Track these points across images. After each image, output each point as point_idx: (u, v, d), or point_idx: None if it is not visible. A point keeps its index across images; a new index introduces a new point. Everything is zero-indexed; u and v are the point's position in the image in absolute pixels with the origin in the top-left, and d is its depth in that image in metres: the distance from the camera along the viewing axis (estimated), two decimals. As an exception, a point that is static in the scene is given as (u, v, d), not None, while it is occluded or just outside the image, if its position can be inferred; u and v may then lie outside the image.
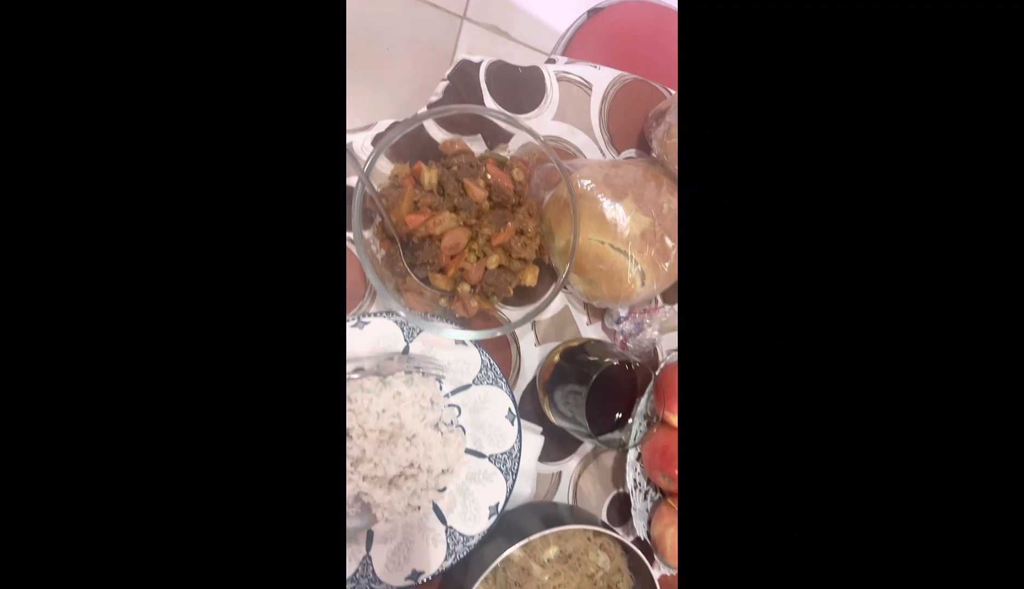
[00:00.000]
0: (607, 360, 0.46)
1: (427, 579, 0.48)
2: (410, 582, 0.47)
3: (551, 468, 0.57)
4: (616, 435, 0.51)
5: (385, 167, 0.47)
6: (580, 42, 0.75)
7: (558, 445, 0.56)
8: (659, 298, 0.59)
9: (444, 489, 0.50)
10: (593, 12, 0.77)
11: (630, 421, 0.50)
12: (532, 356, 0.56)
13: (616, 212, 0.48)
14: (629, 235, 0.49)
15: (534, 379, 0.56)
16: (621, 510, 0.59)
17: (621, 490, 0.59)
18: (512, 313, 0.53)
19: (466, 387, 0.51)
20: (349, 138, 0.51)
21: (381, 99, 0.46)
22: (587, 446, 0.58)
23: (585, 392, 0.45)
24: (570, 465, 0.57)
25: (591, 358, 0.48)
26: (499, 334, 0.47)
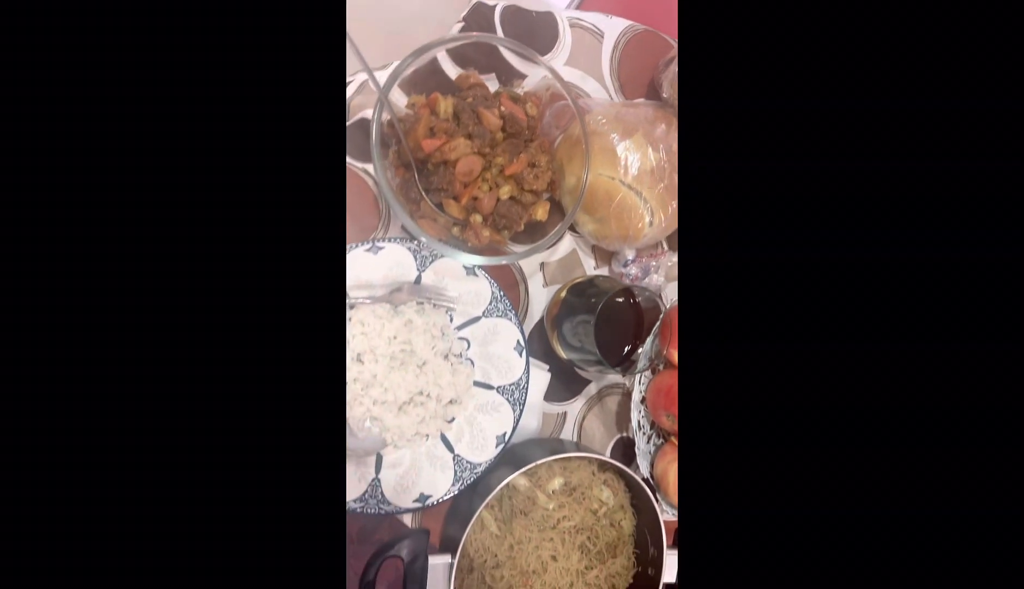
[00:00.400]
0: (615, 288, 0.47)
1: (434, 503, 0.48)
2: (417, 505, 0.48)
3: (556, 408, 0.58)
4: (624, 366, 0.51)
5: (401, 100, 0.48)
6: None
7: (564, 385, 0.57)
8: (664, 244, 0.59)
9: (452, 420, 0.51)
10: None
11: (638, 352, 0.51)
12: (539, 297, 0.57)
13: (626, 148, 0.49)
14: (639, 171, 0.50)
15: (541, 319, 0.56)
16: (625, 453, 0.60)
17: (625, 434, 0.60)
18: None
19: (476, 319, 0.51)
20: (360, 74, 0.52)
21: (397, 40, 0.47)
22: (592, 388, 0.59)
23: (594, 319, 0.46)
24: (575, 406, 0.58)
25: (599, 289, 0.49)
26: (512, 261, 0.48)
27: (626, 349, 0.50)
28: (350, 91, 0.52)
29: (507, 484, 0.51)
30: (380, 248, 0.48)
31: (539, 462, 0.48)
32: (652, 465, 0.57)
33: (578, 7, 0.73)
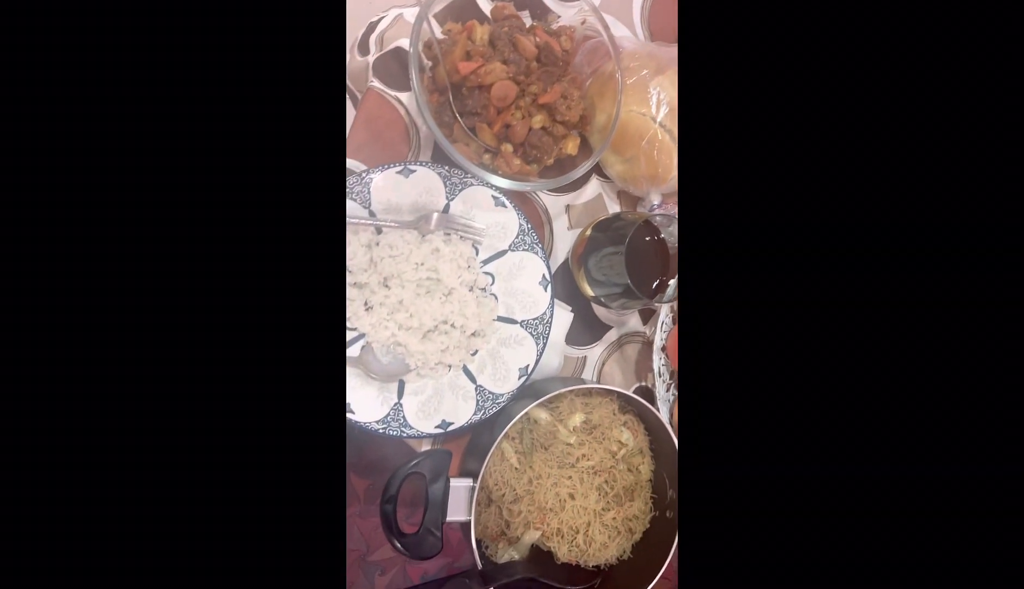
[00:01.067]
0: (643, 220, 0.47)
1: (456, 429, 0.48)
2: (439, 430, 0.48)
3: (577, 352, 0.57)
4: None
5: (436, 30, 0.49)
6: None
7: (585, 329, 0.57)
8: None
9: (475, 352, 0.51)
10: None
11: (669, 283, 0.50)
12: (564, 239, 0.57)
13: (658, 85, 0.50)
14: (670, 109, 0.50)
15: (565, 260, 0.56)
16: (643, 402, 0.59)
17: (643, 383, 0.60)
18: (546, 192, 0.55)
19: (502, 253, 0.51)
20: (398, 9, 0.53)
21: None
22: (612, 335, 0.59)
23: (624, 247, 0.46)
24: (595, 351, 0.58)
25: (625, 222, 0.49)
26: (542, 188, 0.48)
27: (656, 282, 0.50)
28: (384, 24, 0.53)
29: (528, 417, 0.51)
30: (412, 171, 0.48)
31: (562, 390, 0.48)
32: (671, 412, 0.57)
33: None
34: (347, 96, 0.52)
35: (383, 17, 0.53)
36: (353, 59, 0.53)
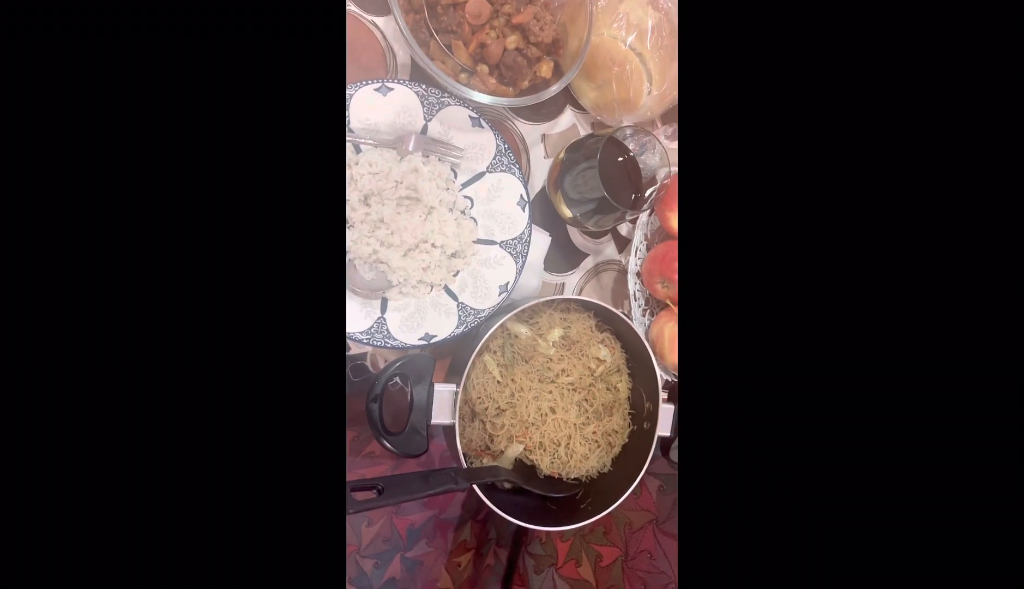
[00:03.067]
0: (614, 136, 0.49)
1: (439, 342, 0.49)
2: (423, 342, 0.49)
3: (555, 278, 0.59)
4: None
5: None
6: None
7: (563, 257, 0.59)
8: (659, 122, 0.62)
9: (457, 273, 0.52)
10: None
11: (645, 196, 0.52)
12: (541, 167, 0.58)
13: (628, 4, 0.51)
14: (640, 30, 0.52)
15: (543, 188, 0.58)
16: (620, 327, 0.61)
17: (620, 310, 0.62)
18: (523, 121, 0.56)
19: (480, 175, 0.53)
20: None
21: None
22: (589, 262, 0.61)
23: (594, 162, 0.48)
24: (573, 278, 0.60)
25: (597, 138, 0.50)
26: (519, 104, 0.49)
27: (632, 196, 0.52)
28: (358, -47, 0.53)
29: (509, 332, 0.52)
30: (390, 89, 0.49)
31: (539, 300, 0.50)
32: (647, 332, 0.59)
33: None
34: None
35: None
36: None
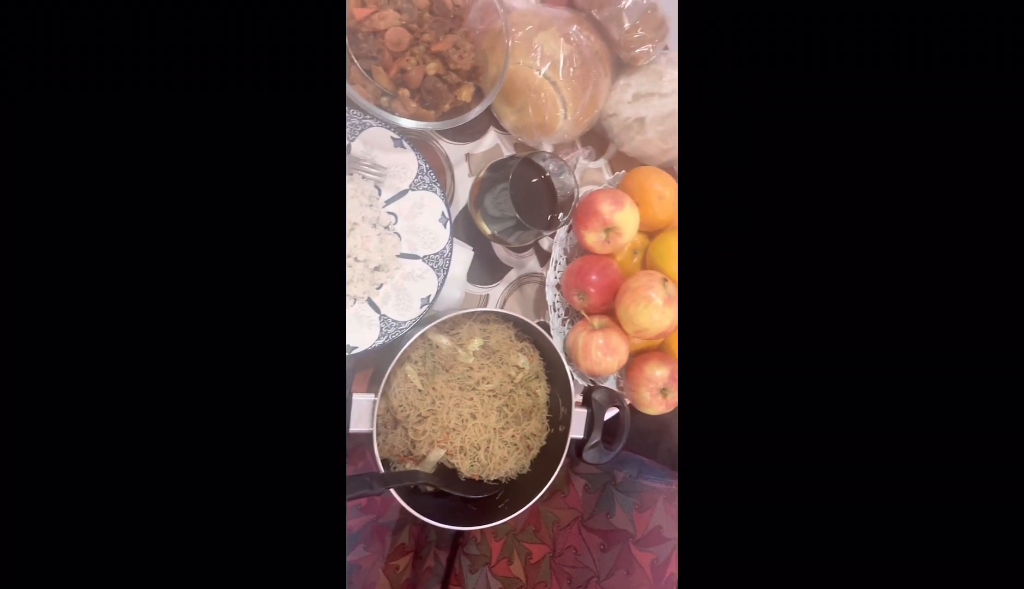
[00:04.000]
0: (528, 157, 0.52)
1: (360, 353, 0.51)
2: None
3: (479, 290, 0.62)
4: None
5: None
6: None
7: (487, 270, 0.62)
8: (578, 143, 0.66)
9: (380, 286, 0.55)
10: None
11: (560, 217, 0.56)
12: (464, 185, 0.61)
13: (541, 40, 0.55)
14: (553, 61, 0.56)
15: (466, 205, 0.61)
16: (542, 336, 0.65)
17: (541, 320, 0.65)
18: (447, 141, 0.59)
19: (403, 193, 0.55)
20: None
21: None
22: (512, 275, 0.64)
23: (508, 184, 0.51)
24: (496, 290, 0.63)
25: (515, 158, 0.54)
26: (441, 127, 0.52)
27: (548, 216, 0.56)
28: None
29: (431, 342, 0.55)
30: (311, 110, 0.50)
31: (459, 313, 0.52)
32: (564, 342, 0.63)
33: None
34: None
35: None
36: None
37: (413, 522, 0.76)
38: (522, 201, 0.52)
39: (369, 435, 0.49)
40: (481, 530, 0.64)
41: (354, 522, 0.77)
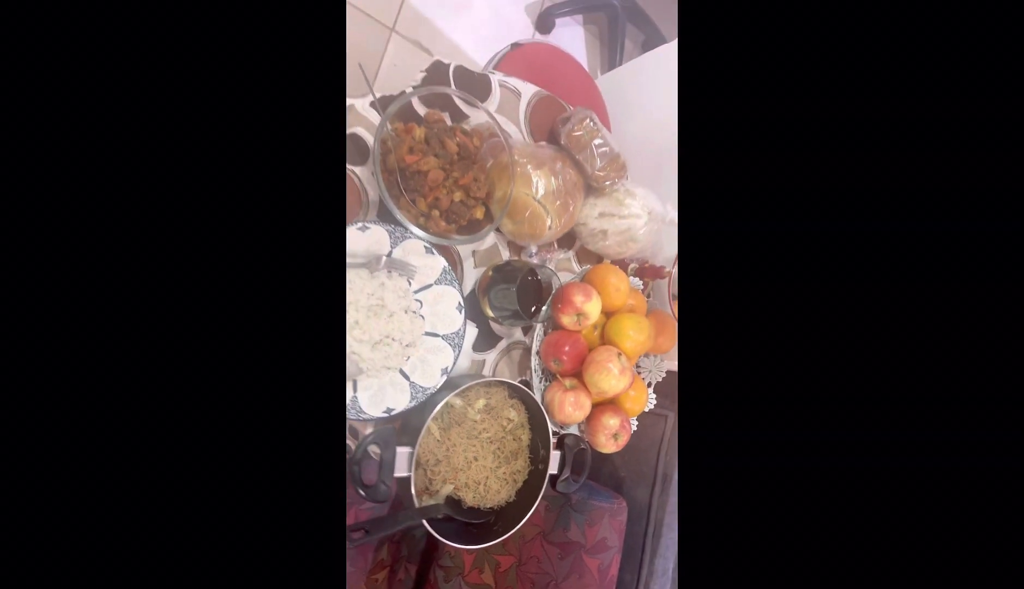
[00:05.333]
0: (528, 267, 0.71)
1: (397, 414, 0.67)
2: (385, 414, 0.66)
3: (479, 356, 0.79)
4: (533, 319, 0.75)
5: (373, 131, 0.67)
6: (505, 66, 1.01)
7: (484, 340, 0.79)
8: (555, 244, 0.85)
9: (408, 359, 0.70)
10: (515, 45, 1.03)
11: (542, 310, 0.74)
12: (471, 274, 0.78)
13: (538, 176, 0.74)
14: (545, 192, 0.74)
15: (473, 290, 0.78)
16: (523, 392, 0.83)
17: (523, 378, 0.83)
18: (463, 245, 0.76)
19: (429, 286, 0.71)
20: (351, 100, 0.70)
21: (380, 82, 0.64)
22: (503, 343, 0.82)
23: (516, 285, 0.69)
24: (491, 355, 0.80)
25: (515, 266, 0.72)
26: (459, 244, 0.69)
27: (534, 307, 0.74)
28: (338, 110, 0.70)
29: (447, 404, 0.71)
30: (367, 228, 0.66)
31: (470, 384, 0.69)
32: (543, 397, 0.81)
33: (495, 67, 0.97)
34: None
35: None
36: (312, 133, 0.69)
37: (391, 540, 0.91)
38: (522, 298, 0.70)
39: (406, 479, 0.64)
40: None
41: (342, 543, 0.91)
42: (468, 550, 0.79)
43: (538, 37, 1.75)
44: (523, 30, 1.74)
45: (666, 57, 1.16)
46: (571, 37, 1.84)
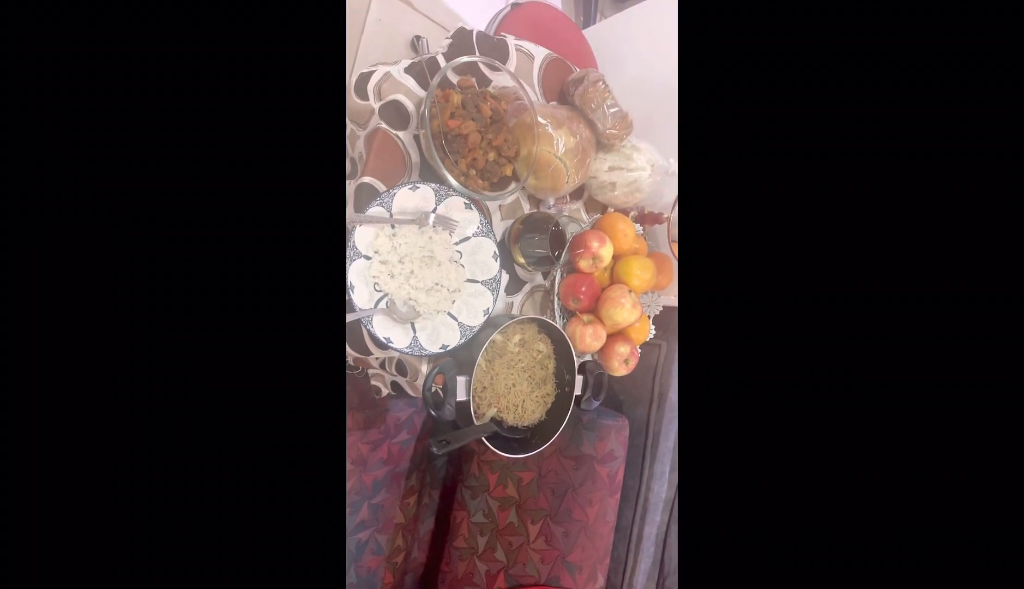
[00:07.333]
0: (552, 218, 0.81)
1: (451, 349, 0.77)
2: (442, 349, 0.76)
3: (509, 298, 0.90)
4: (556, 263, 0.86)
5: (411, 97, 0.74)
6: (508, 27, 1.06)
7: (513, 284, 0.90)
8: (568, 196, 0.95)
9: (454, 302, 0.80)
10: (515, 5, 1.09)
11: (564, 253, 0.85)
12: (499, 226, 0.87)
13: (558, 134, 0.83)
14: (565, 149, 0.83)
15: (502, 238, 0.87)
16: (546, 328, 0.94)
17: (545, 316, 0.95)
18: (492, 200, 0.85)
19: (467, 238, 0.80)
20: (386, 68, 0.76)
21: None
22: (527, 287, 0.92)
23: (546, 237, 0.79)
24: (518, 298, 0.91)
25: (540, 218, 0.82)
26: (492, 200, 0.78)
27: (557, 253, 0.85)
28: (377, 78, 0.75)
29: (492, 340, 0.82)
30: (417, 187, 0.73)
31: (508, 322, 0.80)
32: (564, 330, 0.93)
33: (494, 33, 1.03)
34: (356, 130, 0.74)
35: (373, 71, 0.76)
36: (353, 101, 0.75)
37: (418, 468, 1.04)
38: (551, 245, 0.81)
39: (465, 402, 0.75)
40: (479, 465, 0.93)
41: (379, 473, 1.05)
42: (513, 459, 0.92)
43: (517, -12, 1.77)
44: (503, -19, 1.75)
45: (643, 14, 1.24)
46: (549, -12, 1.85)
